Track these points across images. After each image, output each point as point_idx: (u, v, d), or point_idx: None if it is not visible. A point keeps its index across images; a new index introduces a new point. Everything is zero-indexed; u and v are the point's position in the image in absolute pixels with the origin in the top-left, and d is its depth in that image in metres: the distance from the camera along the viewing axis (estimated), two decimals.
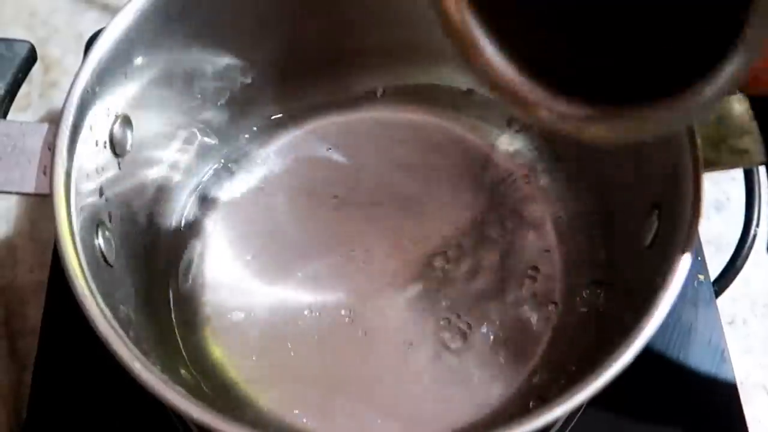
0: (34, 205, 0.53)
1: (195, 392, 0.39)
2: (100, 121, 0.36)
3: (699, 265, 0.46)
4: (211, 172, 0.47)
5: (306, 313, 0.43)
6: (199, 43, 0.41)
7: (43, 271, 0.48)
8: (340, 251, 0.45)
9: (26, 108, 0.57)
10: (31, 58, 0.37)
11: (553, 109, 0.27)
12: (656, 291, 0.30)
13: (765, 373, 0.48)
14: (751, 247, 0.48)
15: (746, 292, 0.50)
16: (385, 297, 0.43)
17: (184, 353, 0.41)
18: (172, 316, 0.42)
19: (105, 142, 0.37)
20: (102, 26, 0.37)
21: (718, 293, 0.47)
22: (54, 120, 0.34)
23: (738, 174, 0.52)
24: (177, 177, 0.45)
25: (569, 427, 0.41)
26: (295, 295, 0.44)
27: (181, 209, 0.45)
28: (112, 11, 0.60)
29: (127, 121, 0.38)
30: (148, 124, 0.40)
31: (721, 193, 0.53)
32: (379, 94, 0.49)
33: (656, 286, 0.31)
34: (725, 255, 0.48)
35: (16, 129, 0.35)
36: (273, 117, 0.48)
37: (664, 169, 0.35)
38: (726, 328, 0.45)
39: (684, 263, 0.31)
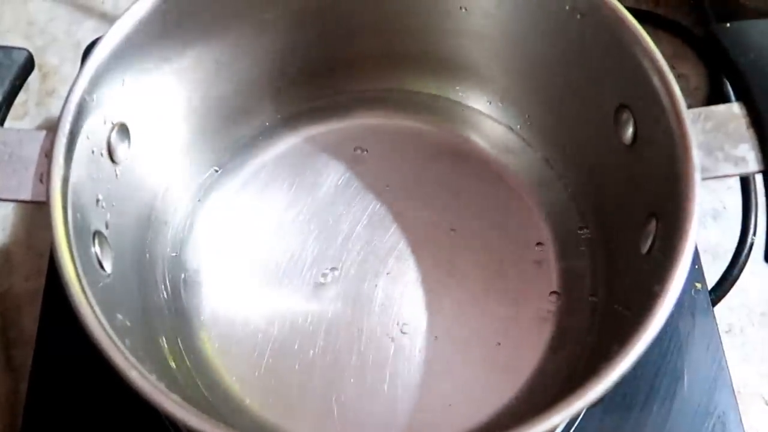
0: (31, 213, 0.53)
1: (192, 400, 0.39)
2: (97, 129, 0.36)
3: (696, 273, 0.46)
4: (208, 179, 0.47)
5: (306, 320, 0.43)
6: (196, 51, 0.41)
7: (39, 279, 0.48)
8: (339, 257, 0.45)
9: (23, 116, 0.57)
10: (29, 65, 0.37)
11: None
12: (654, 298, 0.30)
13: (763, 382, 0.48)
14: (748, 256, 0.48)
15: (743, 300, 0.50)
16: (384, 303, 0.43)
17: (181, 361, 0.41)
18: (170, 323, 0.42)
19: (102, 150, 0.37)
20: (100, 35, 0.37)
21: (715, 302, 0.47)
22: (51, 128, 0.34)
23: (735, 182, 0.52)
24: (174, 184, 0.44)
25: None
26: (294, 301, 0.43)
27: (178, 216, 0.45)
28: (110, 20, 0.60)
29: (124, 129, 0.38)
30: (145, 132, 0.40)
31: (717, 201, 0.53)
32: (376, 101, 0.49)
33: (654, 293, 0.31)
34: (722, 263, 0.49)
35: (13, 136, 0.35)
36: (270, 123, 0.48)
37: (661, 176, 0.35)
38: (723, 337, 0.45)
39: (681, 271, 0.31)
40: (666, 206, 0.34)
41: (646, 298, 0.31)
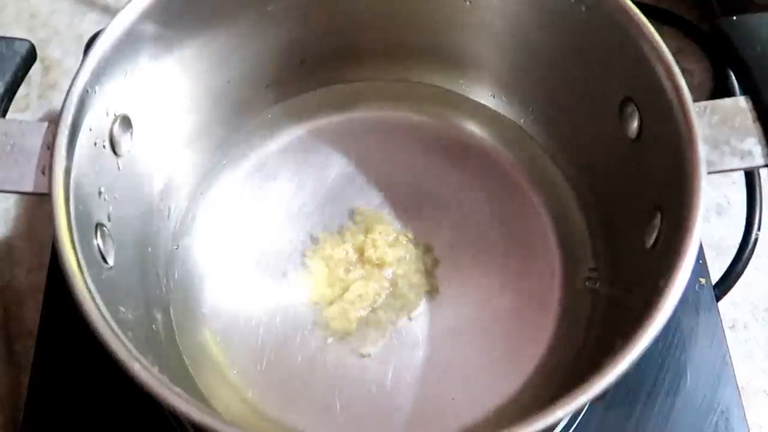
0: (33, 206, 0.53)
1: (193, 393, 0.39)
2: (99, 121, 0.36)
3: (700, 268, 0.46)
4: (211, 171, 0.46)
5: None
6: (198, 42, 0.41)
7: (41, 272, 0.48)
8: (342, 253, 0.44)
9: (25, 109, 0.57)
10: (31, 56, 0.37)
11: None
12: (659, 293, 0.30)
13: (766, 377, 0.48)
14: (752, 251, 0.48)
15: (747, 296, 0.50)
16: (386, 300, 0.43)
17: (182, 354, 0.41)
18: (171, 316, 0.42)
19: (104, 142, 0.37)
20: (102, 27, 0.37)
21: (719, 297, 0.46)
22: (53, 120, 0.34)
23: (739, 178, 0.52)
24: (177, 176, 0.44)
25: (571, 429, 0.41)
26: (295, 296, 0.43)
27: (180, 208, 0.45)
28: (113, 13, 0.59)
29: (126, 121, 0.38)
30: (147, 124, 0.40)
31: (721, 196, 0.53)
32: (379, 93, 0.49)
33: (659, 287, 0.30)
34: (726, 259, 0.48)
35: (15, 128, 0.35)
36: (274, 115, 0.48)
37: (666, 170, 0.35)
38: (727, 333, 0.44)
39: (687, 265, 0.31)
40: (671, 200, 0.34)
41: (651, 292, 0.31)
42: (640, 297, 0.34)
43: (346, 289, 0.43)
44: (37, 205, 0.52)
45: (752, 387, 0.47)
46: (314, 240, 0.45)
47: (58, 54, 0.59)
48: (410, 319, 0.43)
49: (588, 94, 0.41)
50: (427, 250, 0.44)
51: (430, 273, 0.44)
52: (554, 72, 0.43)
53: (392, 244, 0.44)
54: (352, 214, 0.45)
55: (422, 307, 0.43)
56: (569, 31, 0.40)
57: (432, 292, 0.43)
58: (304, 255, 0.44)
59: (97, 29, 0.55)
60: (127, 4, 0.37)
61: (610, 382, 0.29)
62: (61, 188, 0.32)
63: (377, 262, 0.43)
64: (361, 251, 0.44)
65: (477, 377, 0.41)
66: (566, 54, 0.41)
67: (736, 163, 0.34)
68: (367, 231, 0.44)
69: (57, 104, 0.57)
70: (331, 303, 0.43)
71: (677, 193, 0.33)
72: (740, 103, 0.35)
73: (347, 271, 0.44)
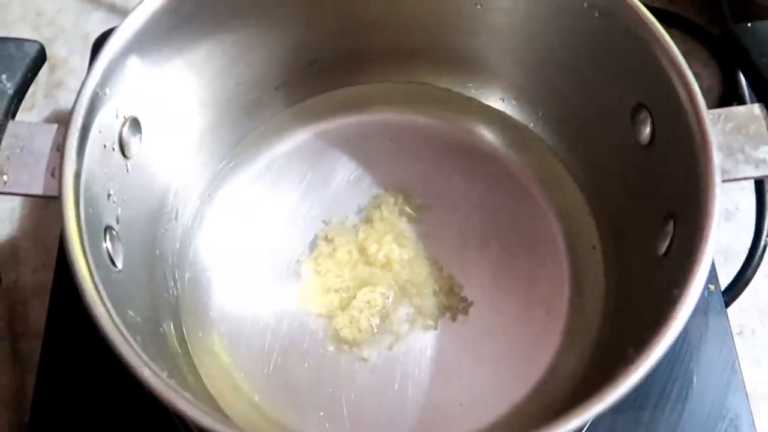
0: (38, 207, 0.53)
1: (200, 397, 0.39)
2: (109, 123, 0.36)
3: (710, 274, 0.45)
4: (219, 173, 0.46)
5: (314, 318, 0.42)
6: (208, 44, 0.41)
7: (47, 272, 0.48)
8: (349, 255, 0.44)
9: (31, 108, 0.56)
10: (41, 58, 0.37)
11: None
12: (674, 301, 0.30)
13: None
14: (761, 257, 0.48)
15: (755, 301, 0.50)
16: (393, 305, 0.43)
17: (190, 357, 0.41)
18: (178, 319, 0.42)
19: (114, 144, 0.36)
20: (109, 27, 0.37)
21: (728, 303, 0.46)
22: (59, 120, 0.34)
23: (747, 183, 0.52)
24: (185, 179, 0.44)
25: None
26: (302, 300, 0.43)
27: (188, 211, 0.45)
28: (119, 12, 0.60)
29: (136, 123, 0.38)
30: (156, 126, 0.40)
31: (730, 202, 0.53)
32: (388, 96, 0.48)
33: (673, 296, 0.30)
34: (734, 264, 0.48)
35: (25, 130, 0.34)
36: (282, 117, 0.48)
37: (679, 177, 0.34)
38: (734, 338, 0.44)
39: (702, 274, 0.30)
40: (684, 208, 0.34)
41: (664, 300, 0.31)
42: (651, 305, 0.33)
43: (353, 294, 0.43)
44: (43, 205, 0.52)
45: (759, 393, 0.47)
46: (322, 243, 0.44)
47: (64, 53, 0.59)
48: (418, 324, 0.42)
49: (599, 99, 0.41)
50: (435, 254, 0.44)
51: (437, 278, 0.43)
52: (565, 76, 0.42)
53: (400, 243, 0.44)
54: (360, 216, 0.45)
55: (430, 313, 0.43)
56: (581, 35, 0.40)
57: (440, 297, 0.43)
58: (312, 258, 0.44)
59: (103, 28, 0.55)
60: (137, 5, 0.36)
61: (625, 392, 0.29)
62: (71, 191, 0.32)
63: (383, 261, 0.43)
64: (367, 251, 0.43)
65: (485, 383, 0.41)
66: (578, 58, 0.41)
67: (751, 171, 0.34)
68: (374, 232, 0.44)
69: (63, 103, 0.56)
70: (338, 308, 0.42)
71: (691, 201, 0.33)
72: (754, 110, 0.35)
73: (354, 273, 0.43)
